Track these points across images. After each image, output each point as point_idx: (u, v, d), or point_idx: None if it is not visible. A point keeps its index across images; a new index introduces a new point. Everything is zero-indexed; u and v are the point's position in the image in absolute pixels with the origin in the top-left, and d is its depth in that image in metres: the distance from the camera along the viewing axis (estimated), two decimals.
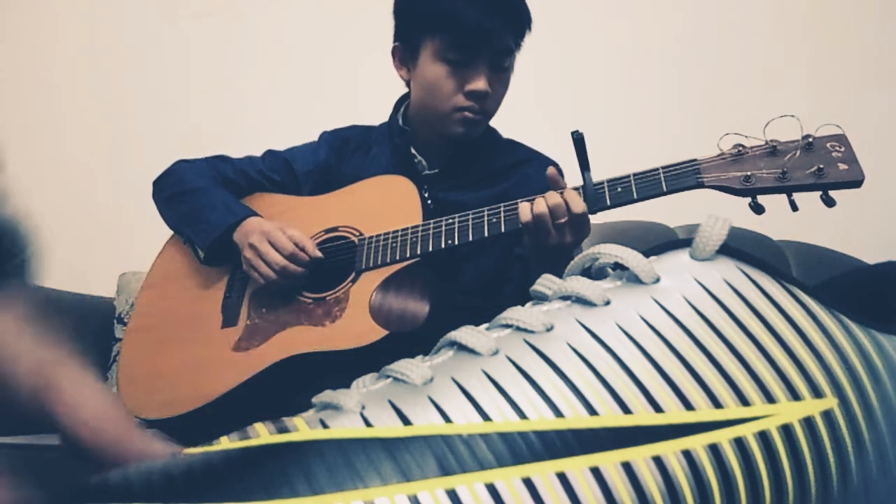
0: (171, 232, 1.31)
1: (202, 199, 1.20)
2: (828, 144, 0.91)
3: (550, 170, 0.99)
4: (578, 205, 0.95)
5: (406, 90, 1.25)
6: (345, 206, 1.18)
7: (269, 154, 1.30)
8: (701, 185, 0.93)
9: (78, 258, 1.99)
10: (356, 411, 0.27)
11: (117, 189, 2.07)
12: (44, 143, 2.12)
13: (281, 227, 1.12)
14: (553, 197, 0.96)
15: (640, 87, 2.15)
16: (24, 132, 2.12)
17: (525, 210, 0.97)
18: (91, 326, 1.72)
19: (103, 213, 2.06)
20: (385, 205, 1.13)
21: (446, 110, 1.12)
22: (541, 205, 0.96)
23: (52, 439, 1.25)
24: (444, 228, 1.05)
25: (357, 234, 1.13)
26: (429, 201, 1.16)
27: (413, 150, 1.21)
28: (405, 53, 1.17)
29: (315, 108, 2.04)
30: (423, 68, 1.13)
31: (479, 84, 1.09)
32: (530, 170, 1.22)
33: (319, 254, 1.12)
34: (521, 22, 1.13)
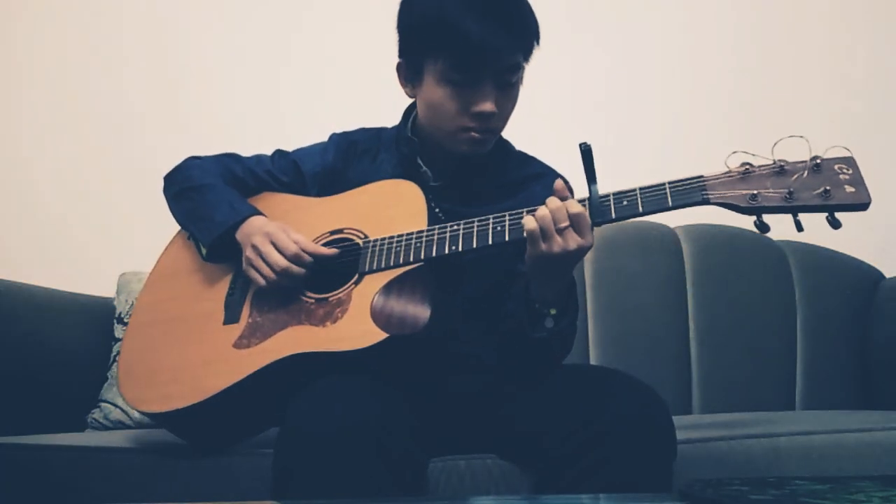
0: (173, 231, 1.31)
1: (208, 197, 1.21)
2: (835, 166, 0.90)
3: (558, 182, 1.00)
4: (576, 206, 0.96)
5: None
6: (351, 209, 1.18)
7: (279, 154, 1.30)
8: (706, 202, 0.93)
9: (78, 258, 1.99)
10: None
11: (117, 189, 2.06)
12: (44, 143, 2.12)
13: (284, 229, 1.12)
14: (553, 202, 0.97)
15: (650, 102, 2.14)
16: (24, 132, 2.12)
17: (529, 219, 0.97)
18: (91, 326, 1.71)
19: (103, 213, 2.06)
20: (391, 208, 1.14)
21: (452, 130, 1.12)
22: (542, 210, 0.97)
23: (53, 439, 1.26)
24: (448, 235, 1.05)
25: (362, 236, 1.13)
26: (437, 210, 1.16)
27: (419, 161, 1.20)
28: (409, 71, 1.15)
29: (325, 107, 2.03)
30: (427, 90, 1.11)
31: (486, 106, 1.08)
32: (538, 186, 1.19)
33: (325, 251, 1.12)
34: (529, 36, 1.10)
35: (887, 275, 1.89)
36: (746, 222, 1.93)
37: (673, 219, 1.87)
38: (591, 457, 0.94)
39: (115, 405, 1.61)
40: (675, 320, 1.78)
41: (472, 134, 1.11)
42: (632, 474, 0.93)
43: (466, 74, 1.07)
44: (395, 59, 1.18)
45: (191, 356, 1.14)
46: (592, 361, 1.73)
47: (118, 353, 1.67)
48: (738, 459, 1.16)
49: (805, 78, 2.15)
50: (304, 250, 1.10)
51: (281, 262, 1.09)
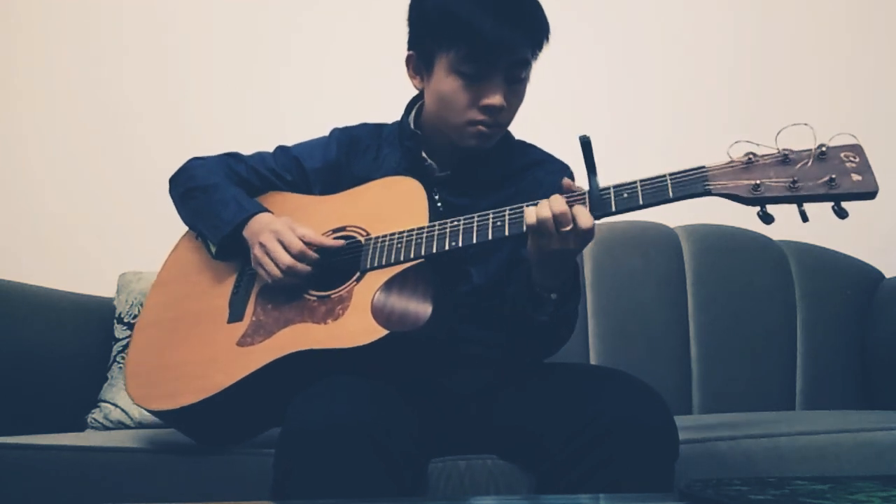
0: (174, 231, 1.31)
1: (214, 196, 1.21)
2: (842, 154, 0.88)
3: (566, 181, 0.99)
4: (586, 219, 0.94)
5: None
6: (354, 206, 1.19)
7: (280, 151, 1.30)
8: (708, 193, 0.91)
9: (78, 258, 1.99)
10: None
11: (117, 189, 2.07)
12: (44, 143, 2.12)
13: (291, 226, 1.13)
14: (559, 204, 0.95)
15: (651, 92, 2.14)
16: (24, 132, 2.12)
17: (530, 213, 0.96)
18: (91, 326, 1.71)
19: (103, 213, 2.06)
20: (393, 206, 1.14)
21: (460, 123, 1.12)
22: (545, 210, 0.95)
23: (53, 439, 1.26)
24: (448, 230, 1.05)
25: (364, 233, 1.14)
26: (439, 204, 1.16)
27: (424, 154, 1.20)
28: (419, 63, 1.16)
29: (325, 105, 2.03)
30: (438, 81, 1.12)
31: (495, 100, 1.08)
32: (540, 172, 1.21)
33: (332, 242, 1.13)
34: (539, 33, 1.11)
35: (887, 275, 1.89)
36: (747, 221, 1.92)
37: (673, 218, 1.88)
38: (592, 457, 0.94)
39: (116, 405, 1.61)
40: (675, 320, 1.78)
41: (480, 128, 1.11)
42: (634, 475, 0.93)
43: (477, 67, 1.08)
44: (399, 56, 1.19)
45: (195, 354, 1.14)
46: (592, 361, 1.73)
47: (118, 352, 1.68)
48: (738, 459, 1.16)
49: (809, 68, 2.14)
50: (310, 243, 1.11)
51: (287, 259, 1.10)
